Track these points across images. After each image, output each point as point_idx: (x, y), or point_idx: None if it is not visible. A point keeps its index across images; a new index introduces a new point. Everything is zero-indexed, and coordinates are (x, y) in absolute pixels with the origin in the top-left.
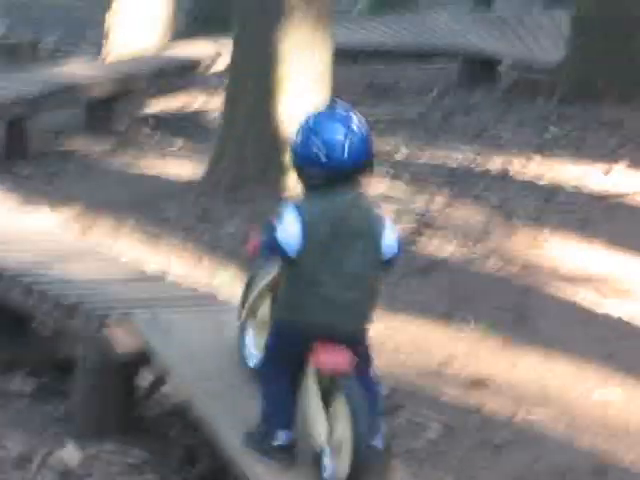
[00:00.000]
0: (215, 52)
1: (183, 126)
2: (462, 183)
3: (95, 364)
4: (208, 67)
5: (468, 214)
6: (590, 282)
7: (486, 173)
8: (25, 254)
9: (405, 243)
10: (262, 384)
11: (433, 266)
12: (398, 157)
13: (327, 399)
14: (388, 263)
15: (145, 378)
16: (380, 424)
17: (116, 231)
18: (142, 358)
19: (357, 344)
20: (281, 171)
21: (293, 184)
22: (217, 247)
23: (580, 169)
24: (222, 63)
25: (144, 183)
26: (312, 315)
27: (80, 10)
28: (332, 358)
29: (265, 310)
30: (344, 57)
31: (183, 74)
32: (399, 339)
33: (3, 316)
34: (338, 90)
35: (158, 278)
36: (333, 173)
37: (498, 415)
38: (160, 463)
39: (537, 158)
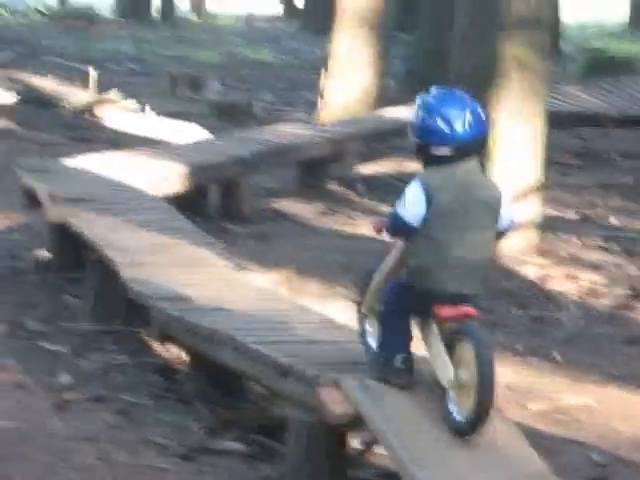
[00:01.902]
0: None
1: (394, 188)
2: None
3: (306, 426)
4: None
5: None
6: None
7: None
8: (239, 313)
9: (617, 312)
10: (383, 322)
11: None
12: (610, 224)
13: (450, 346)
14: (503, 232)
15: (356, 442)
16: None
17: (326, 294)
18: (353, 422)
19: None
20: None
21: (507, 247)
22: None
23: None
24: None
25: (355, 244)
26: (438, 278)
27: (291, 71)
28: (454, 309)
29: None
30: (555, 122)
31: (395, 136)
32: (612, 410)
33: (218, 375)
34: (549, 155)
35: None
36: (456, 145)
37: None
38: None
39: None
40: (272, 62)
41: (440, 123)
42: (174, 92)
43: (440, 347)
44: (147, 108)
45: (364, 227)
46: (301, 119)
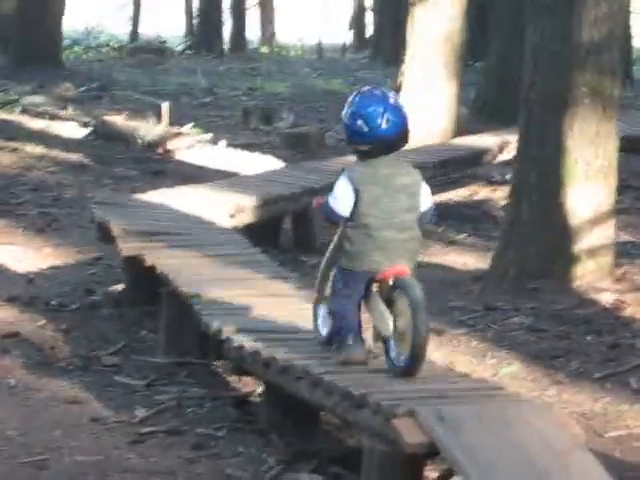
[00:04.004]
0: (500, 143)
1: (469, 216)
2: None
3: (382, 457)
4: (493, 158)
5: None
6: None
7: None
8: (313, 345)
9: None
10: (332, 309)
11: None
12: None
13: (389, 302)
14: (425, 213)
15: (432, 471)
16: None
17: None
18: (430, 451)
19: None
20: (569, 262)
21: (581, 274)
22: (502, 340)
23: None
24: (507, 154)
25: (428, 274)
26: (373, 258)
27: None
28: (390, 271)
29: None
30: (628, 147)
31: (467, 165)
32: None
33: (293, 406)
34: (624, 180)
35: (444, 370)
36: (374, 141)
37: None
38: None
39: None
40: (343, 92)
41: (361, 124)
42: (246, 124)
43: (379, 304)
44: (219, 140)
45: (438, 256)
46: None
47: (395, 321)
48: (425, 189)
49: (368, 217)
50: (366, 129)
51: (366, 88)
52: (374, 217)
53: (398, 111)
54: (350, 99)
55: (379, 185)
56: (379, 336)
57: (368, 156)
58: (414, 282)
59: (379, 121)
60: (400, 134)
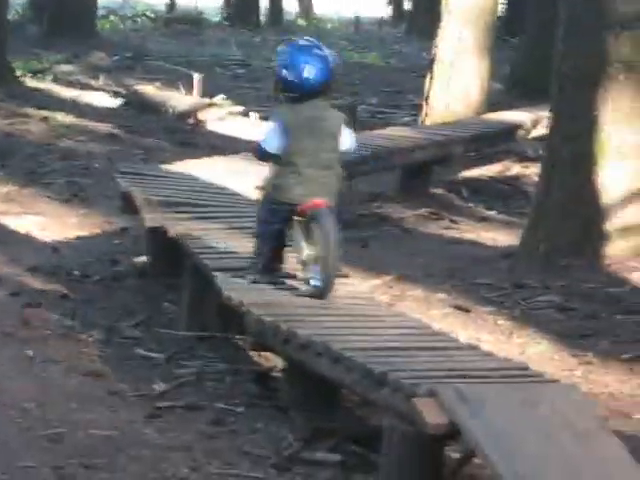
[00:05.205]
0: (533, 119)
1: (499, 192)
2: None
3: (402, 436)
4: (525, 134)
5: None
6: None
7: None
8: (335, 321)
9: None
10: (258, 234)
11: None
12: None
13: (308, 232)
14: (345, 152)
15: (454, 452)
16: None
17: (427, 299)
18: (451, 432)
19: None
20: (599, 241)
21: (612, 252)
22: (530, 319)
23: None
24: (540, 130)
25: (458, 250)
26: (296, 192)
27: (398, 75)
28: (308, 204)
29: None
30: None
31: (500, 140)
32: None
33: (313, 383)
34: None
35: (468, 348)
36: (299, 88)
37: None
38: None
39: None
40: (379, 65)
41: (289, 74)
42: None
43: (298, 233)
44: (250, 112)
45: (468, 232)
46: (406, 123)
47: (313, 248)
48: (346, 131)
49: (294, 155)
50: (291, 77)
51: (295, 41)
52: (300, 156)
53: (321, 61)
54: (281, 50)
55: (304, 127)
56: (300, 261)
57: (295, 101)
58: (327, 212)
59: (302, 70)
60: (323, 82)
